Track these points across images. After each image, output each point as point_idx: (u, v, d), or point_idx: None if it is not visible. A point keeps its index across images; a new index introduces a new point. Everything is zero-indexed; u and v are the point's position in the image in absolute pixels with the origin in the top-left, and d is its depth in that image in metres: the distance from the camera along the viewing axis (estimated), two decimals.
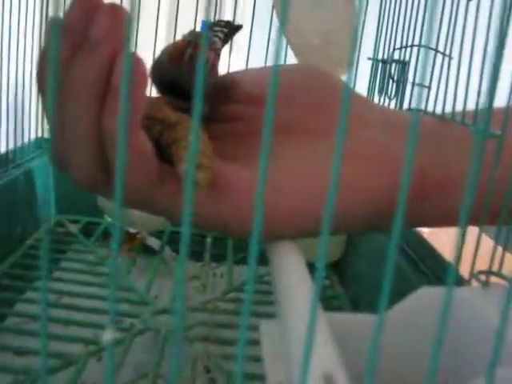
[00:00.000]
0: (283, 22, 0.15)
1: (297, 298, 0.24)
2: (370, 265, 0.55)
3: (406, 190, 0.16)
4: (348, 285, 0.59)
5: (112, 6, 0.22)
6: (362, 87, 0.63)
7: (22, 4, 0.61)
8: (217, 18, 0.68)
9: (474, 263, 0.30)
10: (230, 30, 0.39)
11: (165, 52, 0.31)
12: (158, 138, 0.26)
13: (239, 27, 0.40)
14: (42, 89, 0.26)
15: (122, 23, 0.23)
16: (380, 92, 0.59)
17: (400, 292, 0.38)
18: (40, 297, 0.37)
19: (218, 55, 0.36)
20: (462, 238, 0.17)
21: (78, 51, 0.24)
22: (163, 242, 0.65)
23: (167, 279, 0.58)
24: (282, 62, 0.63)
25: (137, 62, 0.23)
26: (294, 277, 0.26)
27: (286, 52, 0.63)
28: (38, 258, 0.59)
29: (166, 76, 0.31)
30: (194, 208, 0.27)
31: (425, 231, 0.51)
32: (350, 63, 0.57)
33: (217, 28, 0.39)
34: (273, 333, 0.26)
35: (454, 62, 0.37)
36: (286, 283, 0.25)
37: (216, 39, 0.37)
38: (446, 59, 0.40)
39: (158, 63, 0.31)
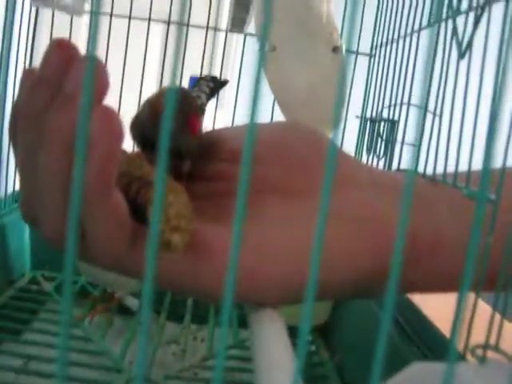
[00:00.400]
0: (258, 80, 0.14)
1: (277, 378, 0.22)
2: (357, 329, 0.53)
3: (400, 255, 0.14)
4: (334, 350, 0.57)
5: (88, 57, 0.21)
6: (350, 145, 0.62)
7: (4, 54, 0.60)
8: (207, 72, 0.68)
9: (469, 335, 0.28)
10: (216, 84, 0.39)
11: (143, 108, 0.30)
12: (135, 196, 0.25)
13: (225, 82, 0.40)
14: (13, 141, 0.25)
15: (98, 76, 0.22)
16: (368, 151, 0.58)
17: (389, 362, 0.36)
18: (5, 361, 0.34)
19: (203, 110, 0.35)
20: (458, 313, 0.16)
21: (52, 102, 0.23)
22: (142, 302, 0.62)
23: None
24: (269, 117, 0.63)
25: (111, 116, 0.22)
26: (274, 353, 0.24)
27: (273, 107, 0.62)
28: (9, 319, 0.56)
29: (145, 132, 0.30)
30: (170, 271, 0.26)
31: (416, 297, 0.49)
32: (337, 121, 0.57)
33: (202, 82, 0.38)
34: None
35: (446, 122, 0.36)
36: (266, 359, 0.23)
37: (202, 94, 0.36)
38: (437, 118, 0.39)
39: (136, 119, 0.30)
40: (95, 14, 0.15)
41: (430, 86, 0.39)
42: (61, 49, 0.22)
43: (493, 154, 0.24)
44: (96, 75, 0.22)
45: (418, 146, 0.15)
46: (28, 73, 0.24)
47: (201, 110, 0.35)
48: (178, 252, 0.23)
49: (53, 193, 0.23)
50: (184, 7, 0.14)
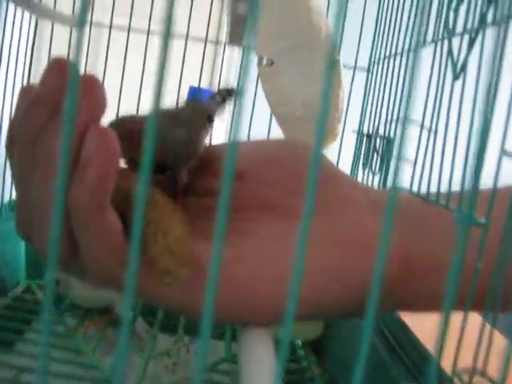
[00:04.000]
0: (241, 93, 0.14)
1: None
2: (348, 345, 0.53)
3: (380, 273, 0.14)
4: (326, 366, 0.56)
5: (87, 77, 0.21)
6: (346, 160, 0.62)
7: (2, 69, 0.60)
8: (206, 85, 0.68)
9: (456, 359, 0.28)
10: (230, 95, 0.39)
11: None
12: (129, 213, 0.25)
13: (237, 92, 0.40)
14: (11, 159, 0.26)
15: (95, 94, 0.22)
16: (364, 166, 0.58)
17: (379, 382, 0.36)
18: None
19: (211, 119, 0.36)
20: (443, 338, 0.16)
21: (49, 122, 0.23)
22: (135, 312, 0.62)
23: (137, 356, 0.55)
24: (267, 132, 0.63)
25: (107, 135, 0.22)
26: (259, 373, 0.24)
27: (270, 121, 0.62)
28: (2, 329, 0.56)
29: (125, 150, 0.30)
30: (162, 290, 0.26)
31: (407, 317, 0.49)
32: (333, 136, 0.57)
33: (218, 95, 0.39)
34: None
35: (441, 139, 0.36)
36: (251, 378, 0.24)
37: (212, 104, 0.37)
38: (432, 136, 0.39)
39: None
40: (80, 26, 0.15)
41: (426, 104, 0.39)
42: (59, 69, 0.22)
43: (478, 183, 0.24)
44: (91, 93, 0.22)
45: (402, 159, 0.15)
46: (26, 90, 0.25)
47: (209, 118, 0.35)
48: (179, 281, 0.23)
49: (46, 212, 0.23)
50: (169, 19, 0.14)
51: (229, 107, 0.41)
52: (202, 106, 0.36)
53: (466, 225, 0.27)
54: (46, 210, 0.23)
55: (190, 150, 0.32)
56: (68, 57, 0.62)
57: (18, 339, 0.56)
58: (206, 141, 0.35)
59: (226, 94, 0.39)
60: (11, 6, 0.58)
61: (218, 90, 0.41)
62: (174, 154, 0.30)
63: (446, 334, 0.15)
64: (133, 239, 0.14)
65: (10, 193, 0.68)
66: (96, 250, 0.24)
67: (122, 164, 0.30)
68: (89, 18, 0.69)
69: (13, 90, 0.62)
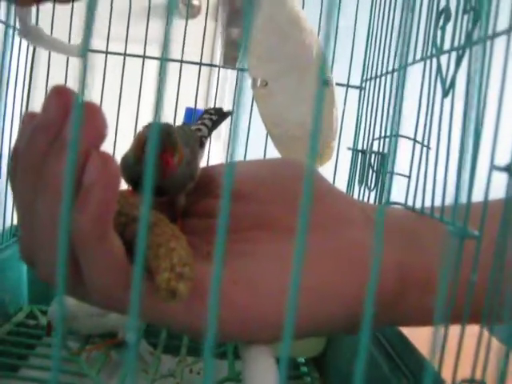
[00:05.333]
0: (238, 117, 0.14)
1: None
2: (351, 362, 0.53)
3: (374, 286, 0.15)
4: (328, 382, 0.57)
5: (88, 104, 0.22)
6: (342, 177, 0.63)
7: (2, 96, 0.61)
8: (203, 105, 0.69)
9: (455, 370, 0.28)
10: (219, 116, 0.39)
11: (130, 149, 0.30)
12: (132, 237, 0.25)
13: (229, 113, 0.41)
14: (13, 184, 0.26)
15: (97, 121, 0.22)
16: (360, 182, 0.58)
17: None
18: None
19: (202, 143, 0.36)
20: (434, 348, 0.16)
21: (51, 148, 0.23)
22: (139, 335, 0.62)
23: (142, 378, 0.55)
24: (262, 152, 0.63)
25: (108, 161, 0.22)
26: None
27: (266, 141, 0.63)
28: (6, 355, 0.56)
29: (134, 173, 0.30)
30: (164, 312, 0.26)
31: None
32: (329, 155, 0.58)
33: (206, 115, 0.39)
34: None
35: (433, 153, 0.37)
36: None
37: (202, 127, 0.37)
38: (425, 151, 0.40)
39: (124, 160, 0.30)
40: (83, 55, 0.15)
41: (417, 120, 0.40)
42: (60, 96, 0.23)
43: (470, 196, 0.25)
44: (92, 121, 0.22)
45: (395, 173, 0.16)
46: (29, 117, 0.25)
47: (200, 143, 0.36)
48: (181, 300, 0.23)
49: (49, 237, 0.24)
50: (167, 43, 0.15)
51: (224, 126, 0.42)
52: (193, 130, 0.37)
53: (459, 238, 0.28)
54: (50, 235, 0.24)
55: (192, 172, 0.32)
56: (66, 82, 0.63)
57: (23, 364, 0.56)
58: (203, 162, 0.35)
59: (215, 114, 0.40)
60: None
61: (206, 109, 0.41)
62: (179, 177, 0.31)
63: (438, 345, 0.16)
64: (136, 261, 0.15)
65: (11, 218, 0.68)
66: (100, 274, 0.24)
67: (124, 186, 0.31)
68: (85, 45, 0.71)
69: (12, 117, 0.63)
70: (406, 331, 0.47)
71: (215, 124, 0.39)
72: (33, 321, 0.65)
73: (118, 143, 0.63)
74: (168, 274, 0.23)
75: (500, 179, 0.26)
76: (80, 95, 0.15)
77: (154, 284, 0.23)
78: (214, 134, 0.40)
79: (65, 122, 0.23)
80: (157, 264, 0.23)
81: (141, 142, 0.29)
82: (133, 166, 0.29)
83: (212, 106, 0.42)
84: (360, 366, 0.14)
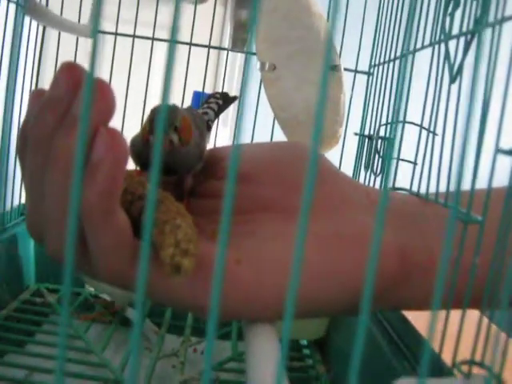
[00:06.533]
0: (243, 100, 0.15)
1: None
2: (353, 344, 0.53)
3: (374, 266, 0.15)
4: (330, 364, 0.57)
5: (98, 81, 0.22)
6: (348, 163, 0.63)
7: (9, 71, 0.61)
8: (211, 89, 0.69)
9: (456, 351, 0.29)
10: (226, 101, 0.39)
11: (139, 132, 0.31)
12: (138, 214, 0.26)
13: (235, 98, 0.41)
14: (22, 162, 0.26)
15: (106, 97, 0.23)
16: (366, 168, 0.58)
17: (381, 376, 0.37)
18: (8, 372, 0.34)
19: (209, 127, 0.36)
20: (432, 328, 0.17)
21: (60, 124, 0.23)
22: (143, 314, 0.63)
23: (145, 356, 0.56)
24: (269, 136, 0.64)
25: (116, 137, 0.22)
26: (265, 371, 0.25)
27: (273, 126, 0.63)
28: (13, 331, 0.57)
29: (142, 154, 0.31)
30: (169, 290, 0.27)
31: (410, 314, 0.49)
32: (335, 140, 0.58)
33: (212, 99, 0.39)
34: None
35: (439, 140, 0.37)
36: (257, 378, 0.24)
37: (209, 110, 0.37)
38: (431, 137, 0.40)
39: (133, 142, 0.31)
40: (94, 34, 0.15)
41: (424, 106, 0.40)
42: (70, 72, 0.23)
43: (475, 179, 0.25)
44: (102, 97, 0.22)
45: (401, 160, 0.16)
46: (37, 93, 0.25)
47: (207, 126, 0.36)
48: (186, 276, 0.23)
49: (58, 213, 0.24)
50: (175, 25, 0.15)
51: (232, 110, 0.42)
52: (200, 113, 0.37)
53: (463, 222, 0.28)
54: (58, 211, 0.24)
55: (201, 153, 0.32)
56: (75, 59, 0.63)
57: (29, 340, 0.57)
58: (210, 147, 0.36)
59: (221, 98, 0.40)
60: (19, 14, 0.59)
61: (212, 94, 0.41)
62: (188, 156, 0.31)
63: (435, 327, 0.16)
64: (143, 237, 0.15)
65: (19, 197, 0.69)
66: (106, 250, 0.24)
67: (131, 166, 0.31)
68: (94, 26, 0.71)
69: (21, 97, 0.63)
70: (407, 313, 0.47)
71: (221, 108, 0.40)
72: (39, 299, 0.66)
73: (126, 126, 0.64)
74: (173, 250, 0.23)
75: (505, 162, 0.26)
76: (90, 71, 0.15)
77: (159, 260, 0.23)
78: (221, 120, 0.41)
79: (74, 98, 0.23)
80: (162, 240, 0.24)
81: (149, 122, 0.29)
82: (141, 147, 0.30)
83: (219, 91, 0.42)
84: (359, 343, 0.15)
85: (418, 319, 0.47)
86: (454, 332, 0.28)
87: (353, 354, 0.15)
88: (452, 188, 0.32)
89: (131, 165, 0.31)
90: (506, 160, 0.26)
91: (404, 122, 0.52)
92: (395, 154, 0.54)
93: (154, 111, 0.30)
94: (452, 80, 0.33)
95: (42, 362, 0.50)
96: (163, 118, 0.15)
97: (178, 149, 0.30)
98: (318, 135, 0.15)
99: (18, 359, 0.51)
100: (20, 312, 0.61)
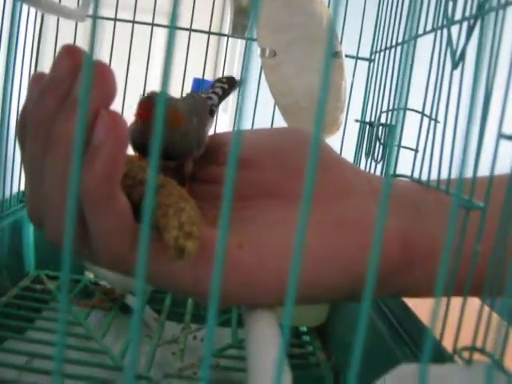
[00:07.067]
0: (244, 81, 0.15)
1: (266, 380, 0.23)
2: (353, 331, 0.53)
3: (378, 253, 0.15)
4: (331, 351, 0.57)
5: (99, 64, 0.22)
6: (349, 149, 0.63)
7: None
8: (211, 76, 0.69)
9: (457, 338, 0.29)
10: (231, 85, 0.39)
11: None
12: (139, 199, 0.26)
13: (241, 82, 0.40)
14: (22, 145, 0.26)
15: (107, 81, 0.22)
16: (367, 155, 0.58)
17: (382, 363, 0.37)
18: (8, 359, 0.34)
19: (212, 112, 0.36)
20: (435, 314, 0.16)
21: (61, 108, 0.23)
22: (143, 301, 0.63)
23: (145, 343, 0.56)
24: (270, 122, 0.63)
25: (117, 121, 0.22)
26: (265, 357, 0.25)
27: (273, 112, 0.63)
28: (13, 317, 0.57)
29: (138, 139, 0.30)
30: (171, 275, 0.26)
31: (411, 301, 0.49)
32: (336, 127, 0.57)
33: (218, 84, 0.39)
34: None
35: (441, 127, 0.37)
36: (258, 363, 0.24)
37: (213, 95, 0.37)
38: (433, 124, 0.40)
39: (132, 127, 0.31)
40: (94, 18, 0.15)
41: (426, 92, 0.40)
42: (70, 55, 0.23)
43: (477, 164, 0.25)
44: (102, 80, 0.22)
45: (403, 147, 0.16)
46: (37, 77, 0.25)
47: (210, 111, 0.36)
48: (189, 259, 0.23)
49: (58, 197, 0.24)
50: (175, 10, 0.14)
51: (232, 97, 0.42)
52: (203, 98, 0.37)
53: (465, 209, 0.28)
54: (58, 195, 0.24)
55: (200, 139, 0.32)
56: (74, 42, 0.63)
57: (29, 327, 0.57)
58: (211, 131, 0.35)
59: (226, 83, 0.40)
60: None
61: (218, 78, 0.41)
62: (186, 141, 0.31)
63: (438, 313, 0.16)
64: (143, 220, 0.15)
65: (18, 184, 0.69)
66: (107, 234, 0.24)
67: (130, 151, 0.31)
68: (93, 12, 0.70)
69: (20, 82, 0.63)
70: (408, 300, 0.47)
71: (226, 93, 0.39)
72: (39, 285, 0.66)
73: (126, 113, 0.64)
74: (177, 232, 0.23)
75: (507, 148, 0.26)
76: (90, 54, 0.15)
77: (161, 243, 0.23)
78: (221, 106, 0.40)
79: (74, 81, 0.23)
80: (166, 222, 0.24)
81: (140, 110, 0.29)
82: (137, 132, 0.29)
83: (225, 75, 0.42)
84: (361, 330, 0.14)
85: (419, 306, 0.47)
86: (454, 319, 0.28)
87: (355, 341, 0.15)
88: (454, 175, 0.32)
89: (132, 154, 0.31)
90: (508, 146, 0.26)
91: (405, 108, 0.52)
92: (397, 141, 0.54)
93: (149, 95, 0.30)
94: (454, 66, 0.33)
95: (42, 349, 0.50)
96: (163, 100, 0.14)
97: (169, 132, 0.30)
98: (320, 121, 0.15)
99: (18, 345, 0.51)
100: (20, 299, 0.61)
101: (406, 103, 0.51)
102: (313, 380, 0.53)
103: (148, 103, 0.29)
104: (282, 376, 0.15)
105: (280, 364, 0.15)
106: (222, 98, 0.39)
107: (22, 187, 0.70)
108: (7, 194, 0.66)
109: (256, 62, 0.59)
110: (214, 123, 0.38)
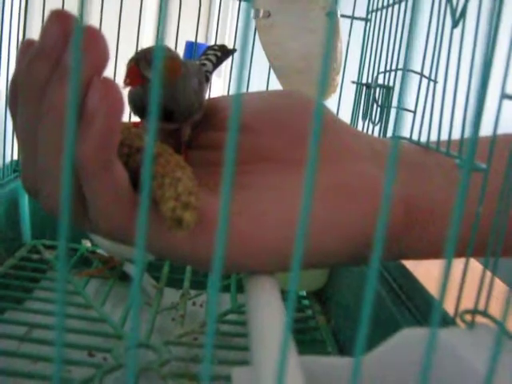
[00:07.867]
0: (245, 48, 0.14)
1: (269, 344, 0.23)
2: (353, 294, 0.53)
3: (385, 219, 0.15)
4: (330, 315, 0.58)
5: (90, 30, 0.21)
6: (346, 111, 0.62)
7: None
8: (203, 39, 0.67)
9: (459, 301, 0.29)
10: (223, 53, 0.39)
11: None
12: (136, 167, 0.25)
13: (233, 50, 0.40)
14: (13, 114, 0.25)
15: (99, 47, 0.22)
16: (364, 117, 0.57)
17: (383, 328, 0.37)
18: (8, 329, 0.34)
19: (207, 78, 0.36)
20: (446, 277, 0.16)
21: (52, 75, 0.23)
22: (143, 268, 0.63)
23: (145, 310, 0.56)
24: (265, 85, 0.62)
25: (111, 88, 0.22)
26: (267, 320, 0.24)
27: (268, 74, 0.62)
28: (11, 288, 0.57)
29: (138, 101, 0.30)
30: (168, 243, 0.26)
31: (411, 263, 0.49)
32: (333, 88, 0.57)
33: (210, 51, 0.38)
34: (245, 380, 0.25)
35: (441, 88, 0.36)
36: (260, 327, 0.24)
37: (207, 62, 0.37)
38: (432, 85, 0.39)
39: (132, 90, 0.30)
40: None
41: (425, 53, 0.39)
42: (60, 20, 0.22)
43: (479, 123, 0.25)
44: (94, 45, 0.22)
45: (403, 109, 0.15)
46: (26, 44, 0.24)
47: (205, 77, 0.35)
48: (187, 229, 0.23)
49: (52, 165, 0.23)
50: None
51: (224, 64, 0.41)
52: (198, 64, 0.36)
53: (467, 170, 0.27)
54: (53, 164, 0.23)
55: (200, 101, 0.32)
56: (63, 7, 0.61)
57: (27, 297, 0.57)
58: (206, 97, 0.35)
59: (219, 50, 0.39)
60: None
61: (210, 46, 0.40)
62: (186, 102, 0.30)
63: (449, 278, 0.16)
64: (142, 190, 0.15)
65: (11, 154, 0.68)
66: (104, 203, 0.24)
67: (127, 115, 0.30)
68: None
69: (8, 48, 0.61)
70: (412, 268, 0.47)
71: (219, 60, 0.39)
72: (36, 255, 0.66)
73: (118, 78, 0.62)
74: (173, 203, 0.23)
75: (510, 108, 0.26)
76: (80, 19, 0.14)
77: (159, 214, 0.23)
78: (215, 71, 0.40)
79: (65, 47, 0.22)
80: (162, 193, 0.23)
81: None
82: (134, 93, 0.29)
83: (215, 43, 0.41)
84: (369, 297, 0.14)
85: (417, 267, 0.47)
86: (455, 283, 0.28)
87: (362, 309, 0.14)
88: (454, 136, 0.32)
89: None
90: (511, 106, 0.25)
91: (404, 69, 0.51)
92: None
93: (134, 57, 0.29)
94: (454, 24, 0.32)
95: (41, 319, 0.50)
96: (159, 58, 0.14)
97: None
98: (322, 86, 0.15)
99: (18, 316, 0.51)
100: (17, 269, 0.61)
101: (404, 64, 0.50)
102: (313, 343, 0.53)
103: (136, 69, 0.28)
104: (288, 342, 0.15)
105: (287, 332, 0.15)
106: (216, 65, 0.38)
107: (15, 156, 0.69)
108: (0, 163, 0.65)
109: (251, 24, 0.57)
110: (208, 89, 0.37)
